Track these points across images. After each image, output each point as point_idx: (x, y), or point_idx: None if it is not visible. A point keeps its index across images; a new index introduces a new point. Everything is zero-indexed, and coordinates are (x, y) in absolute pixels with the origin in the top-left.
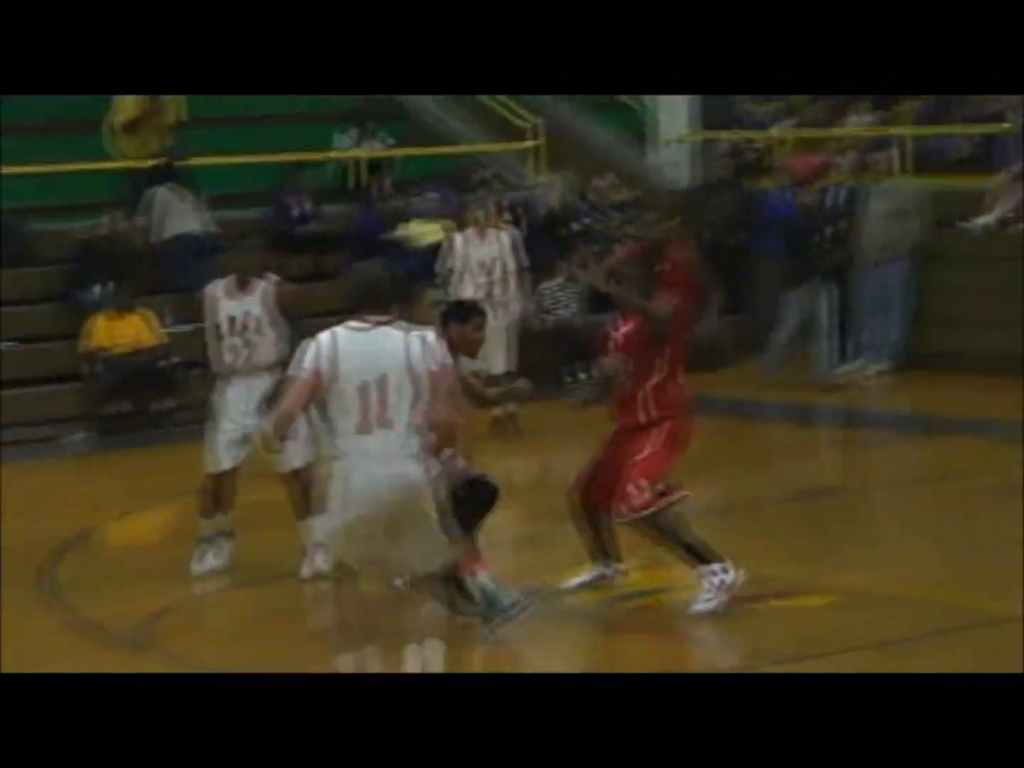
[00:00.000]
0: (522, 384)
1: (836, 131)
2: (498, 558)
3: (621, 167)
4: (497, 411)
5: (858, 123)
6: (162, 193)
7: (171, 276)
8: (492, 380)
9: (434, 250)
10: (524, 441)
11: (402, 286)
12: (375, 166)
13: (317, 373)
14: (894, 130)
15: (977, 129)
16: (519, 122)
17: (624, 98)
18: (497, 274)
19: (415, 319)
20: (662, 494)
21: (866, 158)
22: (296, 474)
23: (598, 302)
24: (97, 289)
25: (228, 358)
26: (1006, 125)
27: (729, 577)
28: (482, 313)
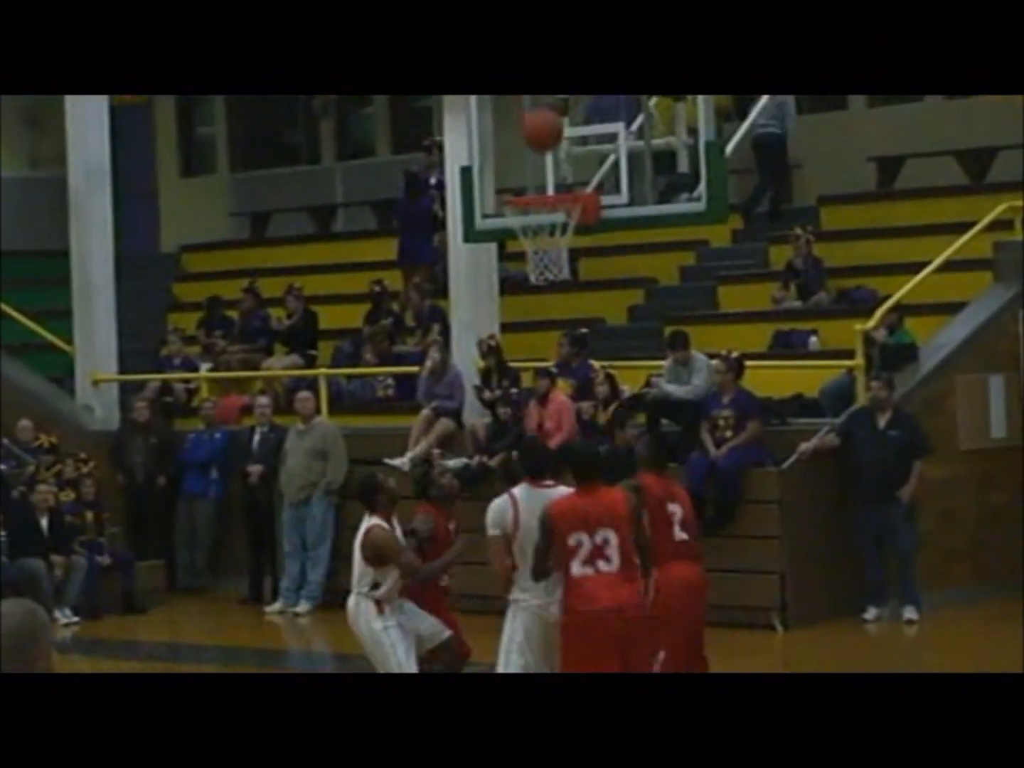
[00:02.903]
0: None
1: (257, 373)
2: None
3: (44, 409)
4: None
5: (276, 365)
6: None
7: None
8: None
9: None
10: None
11: None
12: None
13: None
14: (311, 372)
15: (391, 370)
16: None
17: (51, 340)
18: None
19: None
20: None
21: (287, 399)
22: None
23: (24, 547)
24: None
25: None
26: (425, 365)
27: None
28: None
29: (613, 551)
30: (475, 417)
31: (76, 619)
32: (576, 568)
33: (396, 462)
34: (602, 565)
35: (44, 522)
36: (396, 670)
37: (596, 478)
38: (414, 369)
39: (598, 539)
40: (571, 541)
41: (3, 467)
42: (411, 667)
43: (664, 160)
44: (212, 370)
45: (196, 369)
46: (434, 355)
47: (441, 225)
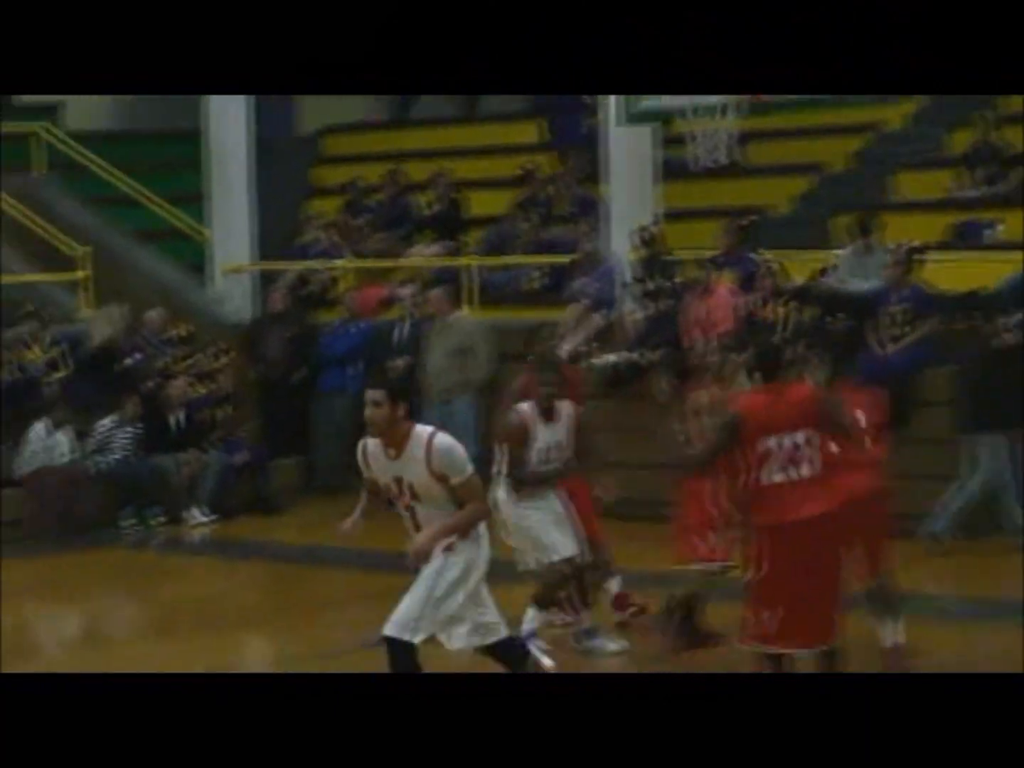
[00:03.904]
0: None
1: (401, 262)
2: None
3: (176, 299)
4: None
5: (420, 254)
6: None
7: None
8: None
9: None
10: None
11: None
12: None
13: None
14: (456, 261)
15: (542, 259)
16: (65, 250)
17: (184, 227)
18: None
19: None
20: None
21: (430, 292)
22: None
23: (154, 443)
24: None
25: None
26: (575, 255)
27: None
28: None
29: (808, 455)
30: (630, 311)
31: (211, 518)
32: (767, 476)
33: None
34: (795, 472)
35: (177, 417)
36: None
37: (782, 375)
38: (566, 259)
39: (791, 442)
40: (763, 446)
41: (133, 360)
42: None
43: None
44: (353, 259)
45: (336, 258)
46: (587, 245)
47: (593, 108)
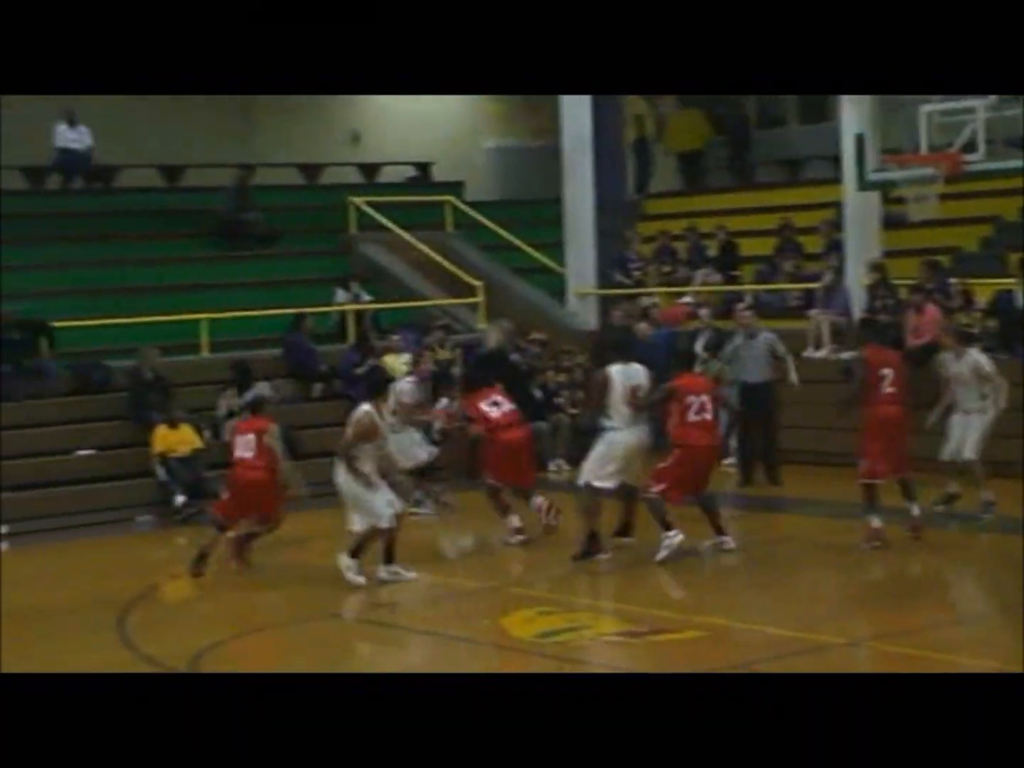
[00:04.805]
0: None
1: (699, 288)
2: None
3: (543, 315)
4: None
5: (710, 280)
6: None
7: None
8: None
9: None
10: None
11: None
12: (360, 316)
13: None
14: (739, 288)
15: (799, 287)
16: (467, 281)
17: (548, 265)
18: None
19: None
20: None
21: (743, 311)
22: None
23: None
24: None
25: None
26: (818, 284)
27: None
28: None
29: None
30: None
31: (566, 468)
32: None
33: (811, 355)
34: None
35: (539, 394)
36: None
37: None
38: (814, 285)
39: None
40: None
41: (516, 357)
42: None
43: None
44: (664, 286)
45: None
46: (828, 275)
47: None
